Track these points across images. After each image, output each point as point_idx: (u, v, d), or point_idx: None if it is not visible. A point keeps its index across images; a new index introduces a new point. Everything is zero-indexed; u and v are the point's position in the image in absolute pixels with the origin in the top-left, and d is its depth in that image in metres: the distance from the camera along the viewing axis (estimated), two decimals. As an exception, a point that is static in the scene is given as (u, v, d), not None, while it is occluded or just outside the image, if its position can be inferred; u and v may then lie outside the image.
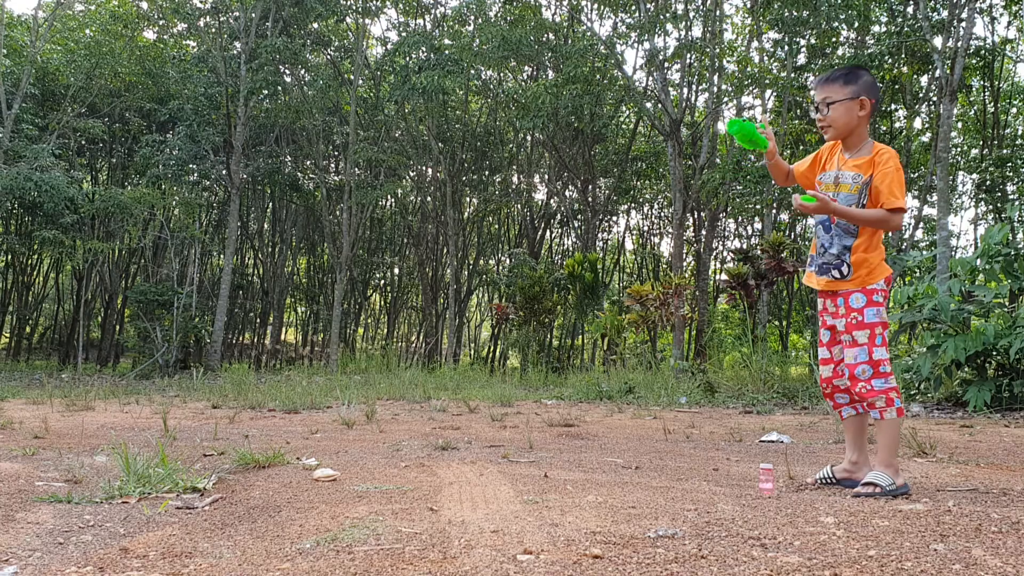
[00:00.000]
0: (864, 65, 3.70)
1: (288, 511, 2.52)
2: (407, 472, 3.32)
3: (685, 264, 19.71)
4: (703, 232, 19.79)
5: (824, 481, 3.02)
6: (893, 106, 17.34)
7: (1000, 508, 2.48)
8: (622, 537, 2.08)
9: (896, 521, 2.26)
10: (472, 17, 19.04)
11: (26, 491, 2.83)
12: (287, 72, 20.56)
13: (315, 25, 20.33)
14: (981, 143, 18.36)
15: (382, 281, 28.85)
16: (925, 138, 17.87)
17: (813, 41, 15.74)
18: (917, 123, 17.87)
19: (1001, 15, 17.68)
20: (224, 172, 18.94)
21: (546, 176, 23.66)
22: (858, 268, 2.89)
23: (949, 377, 6.99)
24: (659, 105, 16.53)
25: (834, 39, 16.04)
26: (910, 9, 14.85)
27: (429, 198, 23.73)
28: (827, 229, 2.96)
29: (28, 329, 25.49)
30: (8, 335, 24.75)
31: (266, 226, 26.15)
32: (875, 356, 2.83)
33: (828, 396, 3.07)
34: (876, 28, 15.73)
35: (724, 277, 15.10)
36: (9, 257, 22.84)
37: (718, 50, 16.66)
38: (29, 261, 23.69)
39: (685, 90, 17.91)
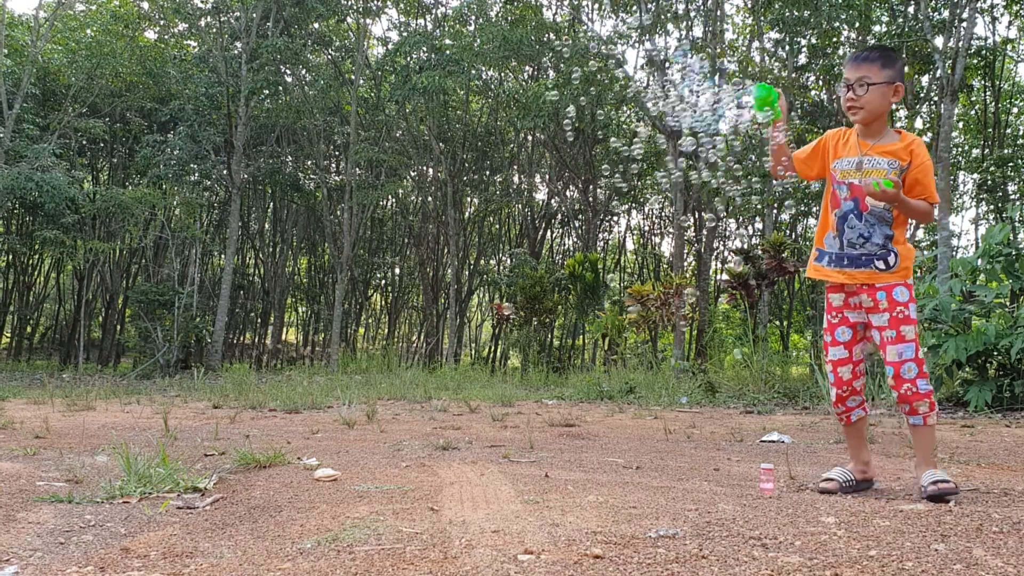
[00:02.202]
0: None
1: (289, 511, 2.52)
2: (408, 472, 3.32)
3: (686, 264, 19.71)
4: (703, 232, 19.78)
5: (849, 485, 2.84)
6: (894, 106, 17.36)
7: (1001, 508, 2.48)
8: (623, 537, 2.08)
9: (897, 521, 2.26)
10: (473, 17, 19.04)
11: (27, 491, 2.83)
12: (288, 72, 20.57)
13: (316, 25, 20.34)
14: (982, 143, 18.37)
15: (383, 281, 28.86)
16: (926, 138, 17.86)
17: (814, 41, 15.75)
18: (918, 123, 17.87)
19: (1002, 15, 17.67)
20: (225, 172, 18.95)
21: (547, 176, 23.66)
22: (904, 259, 2.76)
23: (950, 377, 6.99)
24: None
25: (835, 39, 16.04)
26: (911, 9, 14.86)
27: (430, 198, 23.73)
28: (859, 217, 2.78)
29: (29, 329, 25.50)
30: (9, 335, 24.76)
31: (267, 226, 26.17)
32: (919, 354, 2.72)
33: (841, 400, 2.89)
34: (877, 28, 15.73)
35: (725, 277, 15.10)
36: (10, 257, 22.86)
37: (719, 50, 16.66)
38: (30, 261, 23.70)
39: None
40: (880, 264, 2.76)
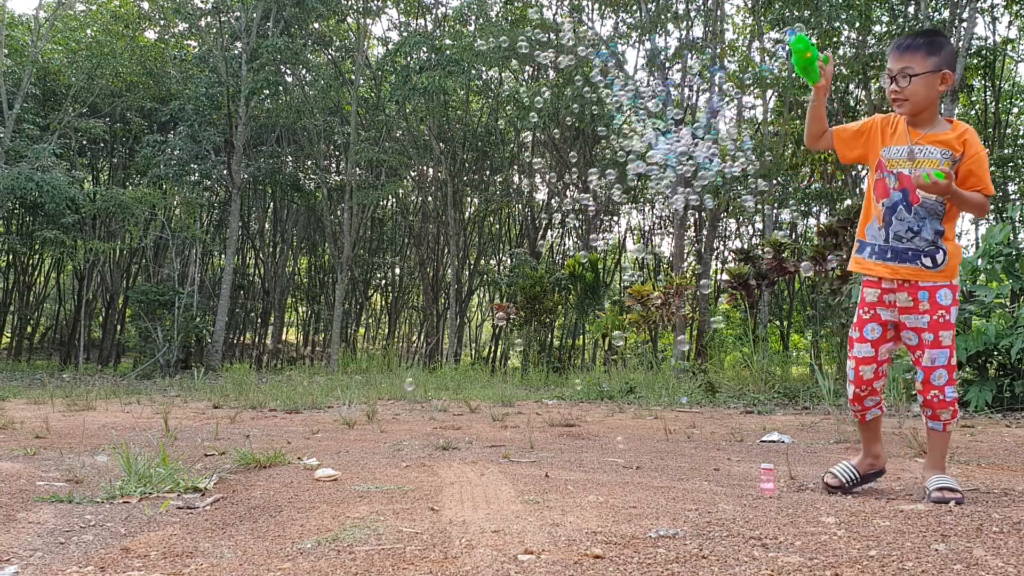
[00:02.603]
0: (942, 32, 3.25)
1: (289, 511, 2.52)
2: (408, 472, 3.32)
3: (686, 264, 19.71)
4: (704, 232, 19.78)
5: (851, 481, 2.78)
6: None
7: (1001, 508, 2.48)
8: (623, 537, 2.08)
9: (897, 521, 2.26)
10: (473, 17, 19.04)
11: (27, 491, 2.83)
12: (288, 72, 20.57)
13: (316, 25, 20.35)
14: (982, 143, 18.35)
15: (383, 281, 28.88)
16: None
17: (814, 41, 15.73)
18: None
19: (1002, 15, 17.68)
20: (225, 172, 18.95)
21: (547, 176, 23.66)
22: (952, 258, 2.61)
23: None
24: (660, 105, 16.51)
25: (835, 39, 16.04)
26: (911, 9, 14.86)
27: (430, 198, 23.73)
28: (909, 209, 2.62)
29: (29, 329, 25.51)
30: (9, 335, 24.77)
31: (267, 226, 26.18)
32: (952, 361, 2.62)
33: (859, 399, 2.77)
34: (877, 28, 15.74)
35: (725, 277, 15.11)
36: (10, 257, 22.87)
37: (719, 50, 16.66)
38: (30, 261, 23.71)
39: (686, 90, 17.91)
40: (927, 261, 2.61)
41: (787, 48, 2.67)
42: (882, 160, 2.71)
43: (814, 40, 2.59)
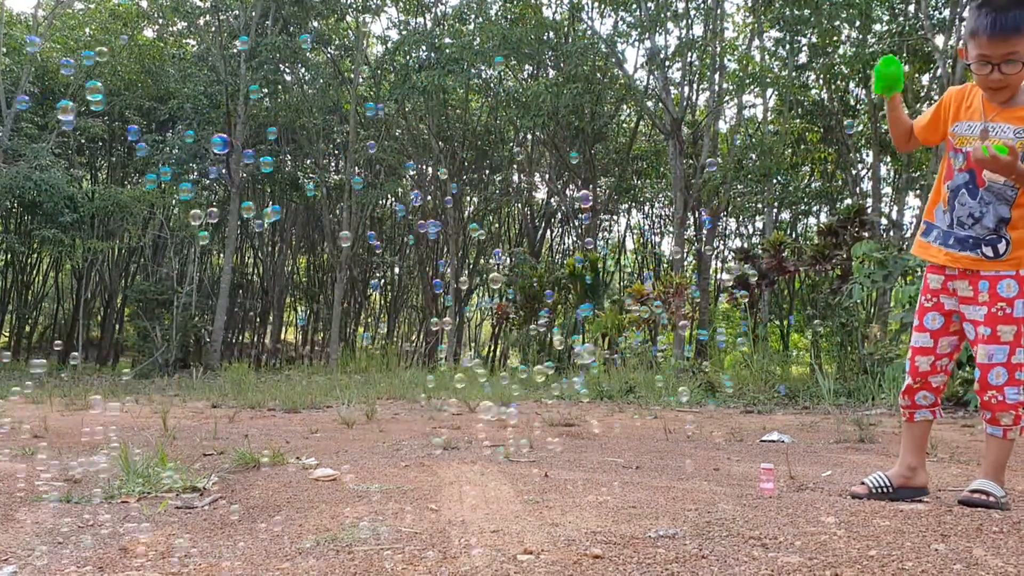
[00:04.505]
0: None
1: (288, 511, 2.52)
2: (407, 472, 3.31)
3: (686, 263, 19.72)
4: (704, 231, 19.78)
5: (880, 491, 2.60)
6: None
7: (1001, 508, 2.48)
8: (622, 537, 2.07)
9: (897, 521, 2.26)
10: (472, 16, 19.03)
11: (25, 490, 2.82)
12: (287, 71, 20.56)
13: (315, 23, 20.34)
14: None
15: (382, 280, 28.87)
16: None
17: (814, 40, 15.73)
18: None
19: (1002, 14, 17.65)
20: (224, 171, 18.94)
21: (547, 175, 23.68)
22: (1018, 247, 2.39)
23: (950, 377, 6.97)
24: (660, 104, 16.52)
25: (835, 38, 16.04)
26: (911, 8, 14.86)
27: (429, 197, 23.72)
28: (973, 194, 2.42)
29: (28, 328, 25.49)
30: (8, 334, 24.75)
31: (266, 225, 26.17)
32: (1015, 359, 2.40)
33: (911, 392, 2.60)
34: (877, 27, 15.74)
35: (725, 276, 15.11)
36: (9, 256, 22.86)
37: (719, 49, 16.65)
38: (29, 260, 23.69)
39: (686, 89, 17.90)
40: (988, 251, 2.41)
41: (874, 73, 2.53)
42: (951, 137, 2.51)
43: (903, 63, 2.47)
